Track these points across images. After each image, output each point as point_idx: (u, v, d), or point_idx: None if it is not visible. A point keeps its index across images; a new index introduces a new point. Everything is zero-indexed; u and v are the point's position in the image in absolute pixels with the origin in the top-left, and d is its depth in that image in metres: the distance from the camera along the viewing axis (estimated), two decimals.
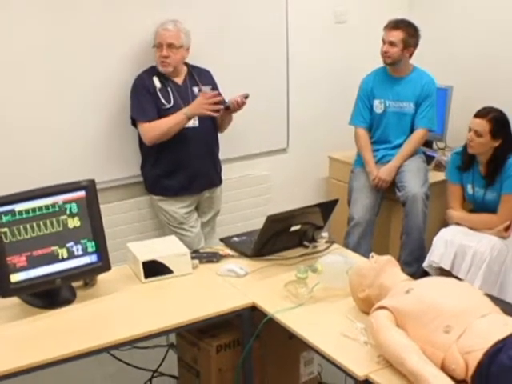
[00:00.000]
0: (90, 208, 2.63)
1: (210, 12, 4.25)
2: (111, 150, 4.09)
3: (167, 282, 2.79)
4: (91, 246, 2.65)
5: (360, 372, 2.14)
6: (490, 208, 3.90)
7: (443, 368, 2.02)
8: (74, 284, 2.70)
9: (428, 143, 4.71)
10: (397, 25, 4.25)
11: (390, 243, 4.55)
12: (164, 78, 3.90)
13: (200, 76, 4.02)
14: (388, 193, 4.38)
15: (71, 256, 2.60)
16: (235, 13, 4.37)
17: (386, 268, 2.47)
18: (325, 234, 3.18)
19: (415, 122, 4.36)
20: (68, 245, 2.59)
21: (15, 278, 2.48)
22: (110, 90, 4.00)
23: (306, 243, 3.06)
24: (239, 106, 3.89)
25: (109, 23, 3.94)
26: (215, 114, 3.86)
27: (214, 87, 4.02)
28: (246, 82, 4.31)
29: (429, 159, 4.57)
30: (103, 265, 2.68)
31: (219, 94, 3.87)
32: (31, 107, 3.79)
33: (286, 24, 4.61)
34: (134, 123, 3.93)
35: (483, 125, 3.74)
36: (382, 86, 4.40)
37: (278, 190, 4.77)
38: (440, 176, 4.38)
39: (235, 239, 3.19)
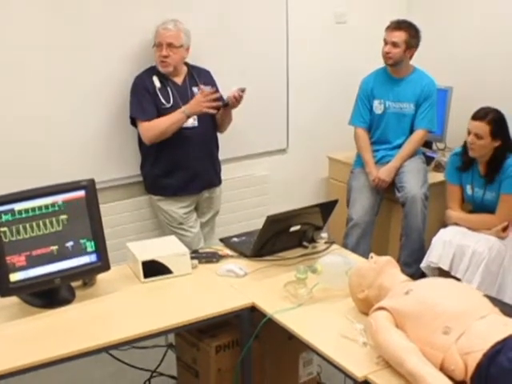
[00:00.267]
0: (90, 208, 2.63)
1: (210, 12, 4.25)
2: (111, 149, 4.09)
3: (166, 282, 2.79)
4: (91, 246, 2.64)
5: (359, 373, 2.14)
6: (489, 208, 3.91)
7: (442, 369, 2.02)
8: (74, 284, 2.70)
9: (428, 144, 4.71)
10: (399, 25, 4.25)
11: (389, 244, 4.55)
12: (164, 78, 3.90)
13: (200, 76, 4.02)
14: (387, 193, 4.38)
15: (70, 256, 2.60)
16: (235, 13, 4.37)
17: (386, 269, 2.46)
18: (324, 235, 3.18)
19: (415, 123, 4.36)
20: (67, 244, 2.59)
21: (14, 277, 2.48)
22: (110, 90, 4.00)
23: (305, 243, 3.06)
24: (237, 100, 3.88)
25: (109, 23, 3.94)
26: (214, 111, 3.86)
27: (214, 87, 4.02)
28: (246, 82, 4.27)
29: (428, 160, 4.57)
30: (102, 264, 2.68)
31: (217, 91, 3.87)
32: (30, 106, 3.79)
33: (286, 24, 4.61)
34: (134, 123, 3.93)
35: (483, 127, 3.73)
36: (382, 86, 4.40)
37: (277, 190, 4.77)
38: (439, 177, 4.38)
39: (235, 239, 3.19)
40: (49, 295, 2.59)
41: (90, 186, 2.63)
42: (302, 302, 2.58)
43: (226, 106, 3.93)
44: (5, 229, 2.44)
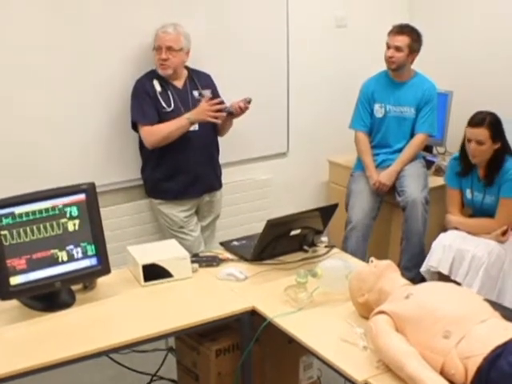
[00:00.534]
0: (90, 211, 2.63)
1: (211, 16, 4.26)
2: (111, 153, 4.10)
3: (167, 286, 2.79)
4: (91, 249, 2.65)
5: (359, 377, 2.14)
6: (488, 212, 3.90)
7: (442, 373, 2.02)
8: (74, 287, 2.70)
9: (428, 148, 4.71)
10: (402, 30, 4.26)
11: (389, 248, 4.55)
12: (164, 82, 3.91)
13: (200, 80, 4.02)
14: (388, 197, 4.38)
15: (71, 259, 2.60)
16: (236, 17, 4.38)
17: (386, 273, 2.46)
18: (324, 239, 3.18)
19: (416, 127, 4.37)
20: (68, 248, 2.59)
21: (15, 280, 2.48)
22: (111, 94, 4.00)
23: (305, 247, 3.06)
24: (242, 111, 3.89)
25: (109, 26, 3.94)
26: (218, 121, 3.87)
27: (215, 91, 4.03)
28: (247, 86, 4.31)
29: (429, 164, 4.57)
30: (103, 268, 2.68)
31: (222, 101, 3.87)
32: (31, 109, 3.79)
33: (286, 28, 4.61)
34: (135, 127, 3.93)
35: (483, 132, 3.73)
36: (383, 90, 4.40)
37: (277, 194, 4.77)
38: (440, 181, 4.38)
39: (235, 243, 3.19)
40: (49, 299, 2.59)
41: (90, 190, 2.64)
42: (303, 305, 2.58)
43: (230, 115, 3.93)
44: (5, 232, 2.45)
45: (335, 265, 2.71)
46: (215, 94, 3.99)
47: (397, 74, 4.37)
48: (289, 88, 4.73)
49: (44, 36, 3.77)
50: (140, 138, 3.95)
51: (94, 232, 2.65)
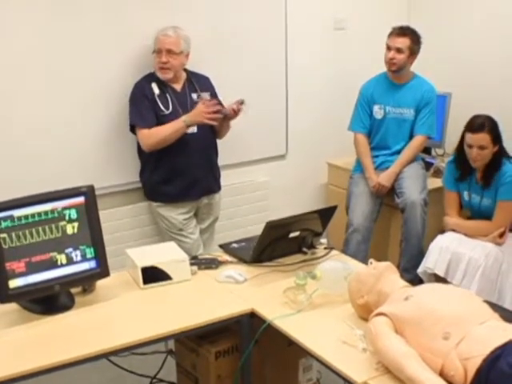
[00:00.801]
0: (89, 214, 2.63)
1: (210, 19, 4.26)
2: (110, 156, 4.10)
3: (166, 288, 2.79)
4: (90, 252, 2.64)
5: (359, 378, 2.13)
6: (486, 214, 3.91)
7: (442, 375, 2.02)
8: (73, 290, 2.69)
9: (427, 150, 4.72)
10: (403, 31, 4.27)
11: (389, 250, 4.55)
12: (163, 85, 3.91)
13: (199, 82, 4.02)
14: (387, 199, 4.38)
15: (70, 262, 2.60)
16: (235, 19, 4.38)
17: (385, 274, 2.46)
18: (324, 241, 3.18)
19: (415, 129, 4.37)
20: (67, 251, 2.59)
21: (14, 283, 2.48)
22: (110, 96, 4.01)
23: (304, 249, 3.06)
24: (236, 113, 3.90)
25: (109, 29, 3.95)
26: (214, 123, 3.87)
27: (213, 94, 4.03)
28: (245, 88, 4.32)
29: (427, 166, 4.58)
30: (102, 271, 2.68)
31: (219, 103, 3.88)
32: (30, 112, 3.80)
33: (285, 30, 4.62)
34: (133, 130, 3.93)
35: (485, 137, 3.72)
36: (382, 91, 4.41)
37: (276, 196, 4.78)
38: (438, 182, 4.38)
39: (234, 245, 3.18)
40: (48, 302, 2.59)
41: (89, 193, 2.63)
42: (302, 307, 2.58)
43: (224, 118, 3.93)
44: (4, 235, 2.44)
45: (334, 267, 2.71)
46: (214, 97, 3.99)
47: (396, 76, 4.37)
48: (287, 90, 4.73)
49: (43, 38, 3.77)
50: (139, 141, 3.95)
51: (93, 235, 2.64)
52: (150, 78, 3.93)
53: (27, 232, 2.49)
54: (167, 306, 2.67)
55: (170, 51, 3.82)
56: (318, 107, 4.91)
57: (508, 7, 4.50)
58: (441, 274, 3.80)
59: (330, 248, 3.13)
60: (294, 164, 4.92)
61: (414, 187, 4.21)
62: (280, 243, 2.98)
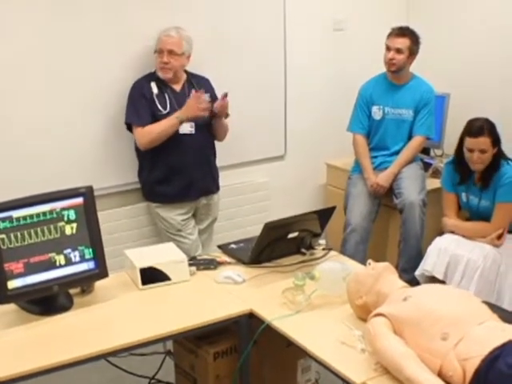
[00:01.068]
0: (88, 215, 2.63)
1: (209, 20, 4.26)
2: (109, 156, 4.10)
3: (165, 289, 2.79)
4: (88, 253, 2.64)
5: (357, 379, 2.14)
6: (484, 216, 3.90)
7: (440, 375, 2.02)
8: (71, 291, 2.69)
9: (425, 150, 4.72)
10: (402, 32, 4.28)
11: (387, 250, 4.55)
12: (162, 84, 3.91)
13: (199, 84, 4.03)
14: (385, 200, 4.38)
15: (68, 263, 2.60)
16: (234, 21, 4.38)
17: (384, 275, 2.47)
18: (322, 241, 3.18)
19: (413, 130, 4.38)
20: (65, 251, 2.59)
21: (12, 284, 2.47)
22: (110, 97, 4.00)
23: (303, 250, 3.06)
24: (223, 107, 3.89)
25: (109, 30, 3.95)
26: (205, 114, 3.86)
27: (213, 95, 4.03)
28: (244, 90, 4.32)
29: (426, 166, 4.58)
30: (100, 272, 2.68)
31: (212, 98, 3.88)
32: (29, 113, 3.80)
33: (284, 31, 4.62)
34: (130, 128, 3.94)
35: (486, 141, 3.71)
36: (381, 92, 4.41)
37: (275, 196, 4.77)
38: (437, 183, 4.37)
39: (233, 246, 3.18)
40: (47, 302, 2.59)
41: (88, 193, 2.63)
42: (300, 308, 2.58)
43: (214, 116, 3.93)
44: (3, 236, 2.44)
45: (333, 267, 2.71)
46: (213, 98, 3.99)
47: (395, 77, 4.38)
48: (286, 91, 4.73)
49: (43, 38, 3.77)
50: None
51: (92, 236, 2.64)
52: (150, 77, 3.93)
53: (26, 233, 2.49)
54: (166, 306, 2.67)
55: (171, 52, 3.83)
56: (316, 108, 4.91)
57: (507, 7, 4.50)
58: (440, 276, 3.79)
59: (328, 249, 3.13)
60: (292, 165, 4.92)
61: (412, 188, 4.21)
62: (279, 244, 2.98)
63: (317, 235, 3.11)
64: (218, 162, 4.19)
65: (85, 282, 2.71)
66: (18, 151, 3.79)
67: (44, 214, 2.53)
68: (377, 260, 2.57)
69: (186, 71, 4.01)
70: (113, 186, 4.12)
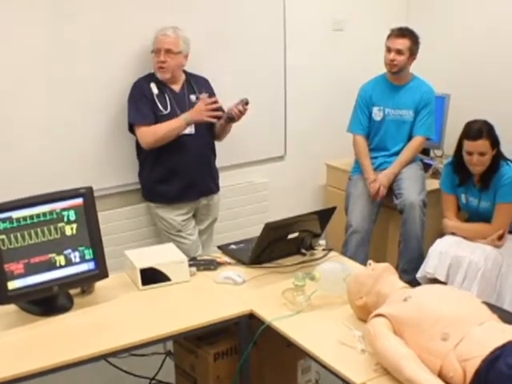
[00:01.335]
0: (88, 215, 2.63)
1: (209, 20, 4.26)
2: (109, 157, 4.10)
3: (165, 290, 2.79)
4: (89, 254, 2.64)
5: (357, 380, 2.14)
6: (484, 217, 3.89)
7: (441, 376, 2.02)
8: (72, 291, 2.69)
9: (425, 151, 4.71)
10: (402, 33, 4.28)
11: (387, 251, 4.55)
12: (162, 85, 3.91)
13: (198, 84, 4.03)
14: (386, 200, 4.38)
15: (69, 263, 2.60)
16: (233, 21, 4.38)
17: (384, 275, 2.47)
18: (322, 242, 3.18)
19: (414, 130, 4.38)
20: (65, 252, 2.59)
21: (12, 285, 2.47)
22: (110, 97, 4.00)
23: (303, 251, 3.06)
24: (242, 113, 3.89)
25: (109, 30, 3.94)
26: (214, 121, 3.87)
27: (212, 95, 4.03)
28: (244, 90, 4.30)
29: (426, 167, 4.57)
30: (101, 272, 2.68)
31: (217, 101, 3.88)
32: (29, 113, 3.79)
33: (283, 31, 4.62)
34: (131, 129, 3.93)
35: (485, 144, 3.71)
36: (381, 93, 4.41)
37: (275, 197, 4.77)
38: (437, 184, 4.36)
39: (233, 247, 3.18)
40: (47, 303, 2.59)
41: (88, 194, 2.64)
42: (301, 309, 2.58)
43: (231, 120, 3.92)
44: (3, 236, 2.44)
45: (333, 268, 2.71)
46: (215, 100, 3.98)
47: (396, 78, 4.38)
48: (286, 91, 4.73)
49: (43, 38, 3.76)
50: (137, 141, 3.95)
51: (92, 236, 2.64)
52: (150, 77, 3.93)
53: (26, 233, 2.49)
54: (166, 307, 2.67)
55: (168, 51, 3.82)
56: (316, 108, 4.91)
57: (507, 8, 4.50)
58: (442, 279, 3.77)
59: (328, 249, 3.13)
60: (292, 165, 4.91)
61: (412, 188, 4.21)
62: (279, 244, 2.98)
63: (317, 236, 3.11)
64: (218, 163, 4.19)
65: (85, 283, 2.71)
66: (18, 151, 3.79)
67: (44, 214, 2.53)
68: (377, 260, 2.57)
69: (184, 71, 4.01)
70: (113, 186, 4.12)
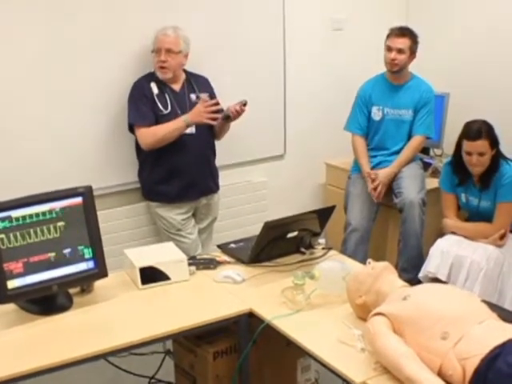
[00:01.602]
0: (87, 214, 2.63)
1: (209, 20, 4.26)
2: (109, 156, 4.10)
3: (164, 289, 2.79)
4: (88, 253, 2.64)
5: (357, 378, 2.13)
6: (485, 216, 3.89)
7: (440, 374, 2.02)
8: (71, 290, 2.69)
9: (425, 150, 4.71)
10: (403, 32, 4.28)
11: (387, 250, 4.55)
12: (162, 84, 3.91)
13: (198, 83, 4.03)
14: (385, 199, 4.37)
15: (68, 262, 2.60)
16: (233, 21, 4.38)
17: (383, 274, 2.46)
18: (322, 241, 3.18)
19: (413, 129, 4.37)
20: (65, 251, 2.59)
21: (12, 284, 2.47)
22: (110, 97, 4.00)
23: (303, 250, 3.06)
24: (239, 113, 3.89)
25: (109, 30, 3.95)
26: (214, 123, 3.87)
27: (212, 94, 4.03)
28: (244, 89, 4.31)
29: (426, 166, 4.57)
30: (100, 271, 2.68)
31: (218, 103, 3.88)
32: (29, 113, 3.80)
33: (283, 31, 4.62)
34: (131, 129, 3.93)
35: (484, 144, 3.70)
36: (381, 93, 4.41)
37: (275, 196, 4.77)
38: (437, 183, 4.36)
39: (232, 245, 3.18)
40: (46, 302, 2.59)
41: (87, 193, 2.63)
42: (300, 307, 2.58)
43: (227, 119, 3.93)
44: (2, 236, 2.44)
45: (333, 267, 2.71)
46: (212, 98, 3.98)
47: (395, 77, 4.37)
48: (285, 90, 4.73)
49: (43, 39, 3.77)
50: (137, 141, 3.95)
51: (91, 235, 2.64)
52: (150, 77, 3.93)
53: (25, 232, 2.49)
54: (165, 306, 2.67)
55: (168, 50, 3.83)
56: (316, 107, 4.91)
57: (507, 8, 4.50)
58: (443, 278, 3.77)
59: (328, 248, 3.13)
60: (292, 164, 4.92)
61: (412, 187, 4.21)
62: (278, 243, 2.98)
63: (316, 234, 3.11)
64: (218, 162, 4.19)
65: (84, 282, 2.71)
66: (17, 151, 3.79)
67: (43, 213, 2.53)
68: (376, 259, 2.57)
69: (184, 70, 4.01)
70: (112, 185, 4.12)
